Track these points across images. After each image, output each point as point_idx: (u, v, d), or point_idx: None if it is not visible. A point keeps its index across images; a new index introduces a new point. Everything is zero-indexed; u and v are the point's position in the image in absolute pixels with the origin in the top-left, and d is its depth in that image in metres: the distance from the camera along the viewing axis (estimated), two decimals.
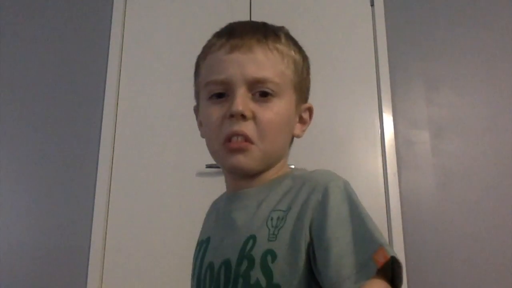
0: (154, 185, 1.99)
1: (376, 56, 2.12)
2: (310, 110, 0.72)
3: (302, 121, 0.70)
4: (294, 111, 0.67)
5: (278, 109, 0.63)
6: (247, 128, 0.61)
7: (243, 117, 0.61)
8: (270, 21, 0.71)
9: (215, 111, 0.63)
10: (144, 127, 2.07)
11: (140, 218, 1.95)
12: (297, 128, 0.69)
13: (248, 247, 0.58)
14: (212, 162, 0.73)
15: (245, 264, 0.57)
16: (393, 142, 2.01)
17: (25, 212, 1.99)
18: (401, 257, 1.86)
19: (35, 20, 2.23)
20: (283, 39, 0.67)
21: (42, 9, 2.24)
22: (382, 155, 2.00)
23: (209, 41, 0.68)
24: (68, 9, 2.24)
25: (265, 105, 0.62)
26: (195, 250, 0.73)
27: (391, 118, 2.04)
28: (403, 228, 1.89)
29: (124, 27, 2.20)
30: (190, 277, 0.73)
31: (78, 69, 2.15)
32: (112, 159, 2.02)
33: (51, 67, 2.16)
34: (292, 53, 0.67)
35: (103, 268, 1.90)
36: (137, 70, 2.15)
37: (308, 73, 0.71)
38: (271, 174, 0.66)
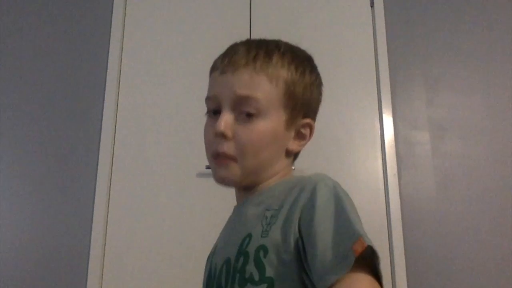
0: (154, 186, 1.99)
1: (376, 57, 2.12)
2: (309, 126, 0.73)
3: (300, 136, 0.72)
4: (283, 129, 0.69)
5: (259, 129, 0.67)
6: (228, 147, 0.67)
7: (225, 136, 0.67)
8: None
9: (209, 127, 0.70)
10: (144, 127, 2.07)
11: (140, 218, 1.95)
12: (292, 143, 0.71)
13: (245, 244, 0.62)
14: None
15: (241, 260, 0.61)
16: (393, 143, 2.01)
17: (25, 212, 1.99)
18: (401, 257, 1.86)
19: (35, 20, 2.23)
20: (274, 59, 0.69)
21: (42, 9, 2.24)
22: (382, 156, 2.00)
23: (214, 61, 0.74)
24: (68, 9, 2.24)
25: (247, 126, 0.67)
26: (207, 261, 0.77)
27: (391, 119, 2.04)
28: (403, 229, 1.90)
29: (124, 27, 2.20)
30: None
31: (78, 69, 2.15)
32: (112, 159, 2.02)
33: (51, 67, 2.16)
34: (284, 72, 0.69)
35: (103, 268, 1.90)
36: (137, 70, 2.15)
37: (310, 89, 0.72)
38: (269, 184, 0.70)
